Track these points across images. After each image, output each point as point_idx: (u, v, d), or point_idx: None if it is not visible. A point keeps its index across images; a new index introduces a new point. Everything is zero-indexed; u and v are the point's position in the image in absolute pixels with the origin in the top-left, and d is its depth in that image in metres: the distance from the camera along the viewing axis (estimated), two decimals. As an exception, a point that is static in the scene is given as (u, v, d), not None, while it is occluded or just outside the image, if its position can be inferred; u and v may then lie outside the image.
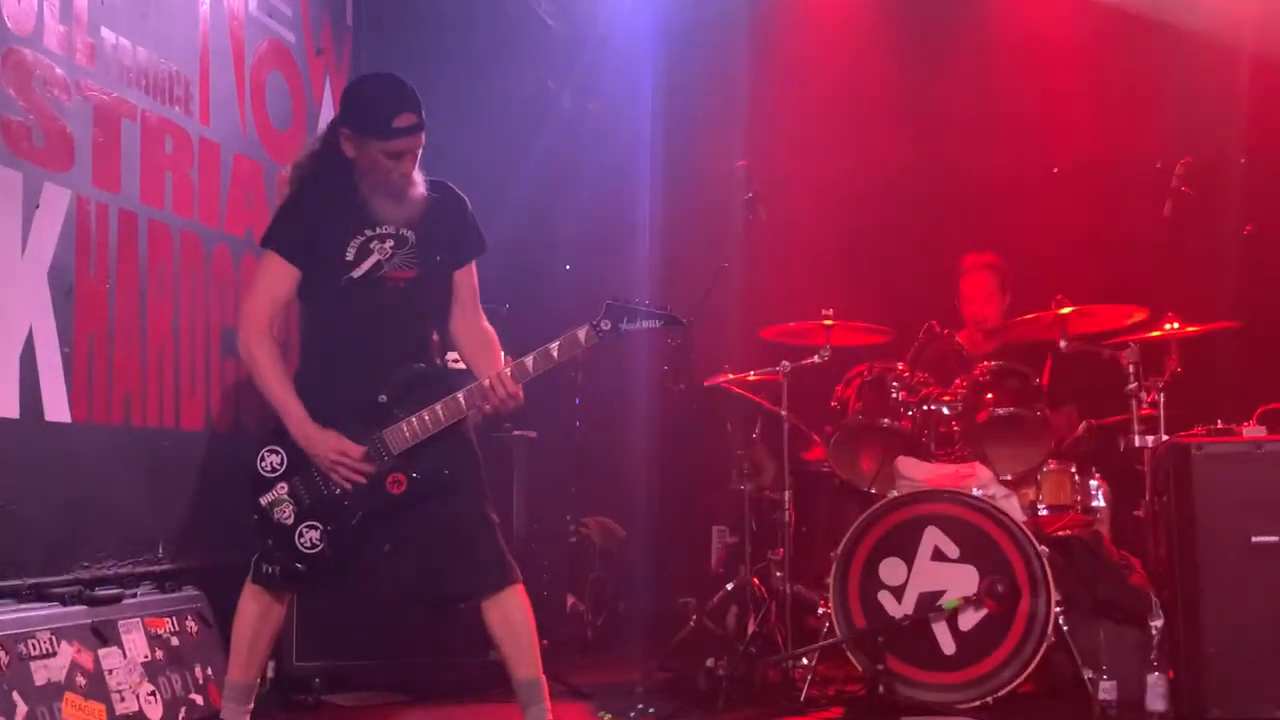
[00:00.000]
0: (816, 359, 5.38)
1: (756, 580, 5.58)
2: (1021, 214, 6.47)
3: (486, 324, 4.13)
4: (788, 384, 5.40)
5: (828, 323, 5.39)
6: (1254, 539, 4.59)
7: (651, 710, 4.89)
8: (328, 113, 6.03)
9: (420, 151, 3.89)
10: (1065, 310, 5.15)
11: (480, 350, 4.05)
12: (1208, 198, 5.32)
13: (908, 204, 6.66)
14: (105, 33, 4.68)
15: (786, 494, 5.44)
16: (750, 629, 5.33)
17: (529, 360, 3.87)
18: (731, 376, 5.69)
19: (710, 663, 5.11)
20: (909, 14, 6.78)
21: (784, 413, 5.42)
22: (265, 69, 5.66)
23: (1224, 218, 5.48)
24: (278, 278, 3.93)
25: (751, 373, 5.66)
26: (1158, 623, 4.79)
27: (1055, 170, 6.47)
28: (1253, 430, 4.76)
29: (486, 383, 3.86)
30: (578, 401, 6.68)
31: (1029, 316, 5.37)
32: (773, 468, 5.74)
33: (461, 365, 4.91)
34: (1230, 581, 4.60)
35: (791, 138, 6.69)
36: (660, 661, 5.71)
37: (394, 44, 6.22)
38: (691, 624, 5.65)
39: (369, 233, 3.91)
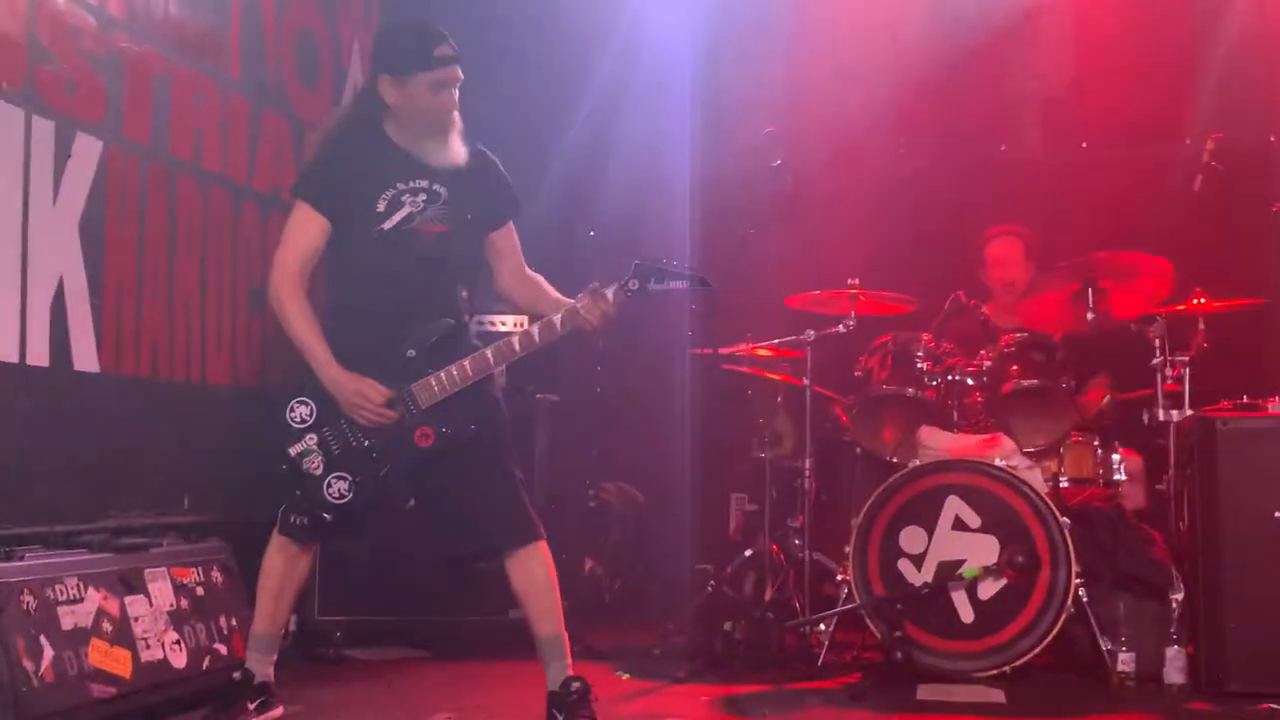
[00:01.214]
0: (841, 328, 5.40)
1: (775, 547, 5.60)
2: (1050, 188, 6.45)
3: (530, 271, 4.16)
4: (812, 353, 5.41)
5: (853, 292, 5.40)
6: (1276, 514, 4.59)
7: (680, 674, 4.91)
8: (356, 71, 6.04)
9: (459, 87, 3.90)
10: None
11: (533, 292, 4.12)
12: (1237, 174, 5.30)
13: (936, 174, 6.64)
14: (139, -16, 4.68)
15: (807, 462, 5.46)
16: (768, 595, 5.36)
17: (556, 319, 3.89)
18: (753, 348, 5.70)
19: (728, 627, 5.15)
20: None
21: (807, 382, 5.44)
22: (295, 25, 5.66)
23: (1254, 194, 5.45)
24: (307, 227, 3.94)
25: (776, 340, 5.68)
26: (1178, 596, 4.80)
27: (1084, 145, 6.44)
28: (1278, 406, 4.76)
29: (559, 320, 3.87)
30: (599, 367, 6.70)
31: (1059, 289, 5.35)
32: (794, 436, 5.75)
33: (495, 329, 4.96)
34: (1252, 556, 4.62)
35: (825, 107, 6.67)
36: (677, 625, 5.74)
37: (423, 4, 6.20)
38: (709, 589, 5.68)
39: (401, 185, 3.93)
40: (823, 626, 5.11)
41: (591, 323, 3.87)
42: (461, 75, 3.90)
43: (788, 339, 5.61)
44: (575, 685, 3.94)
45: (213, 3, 5.11)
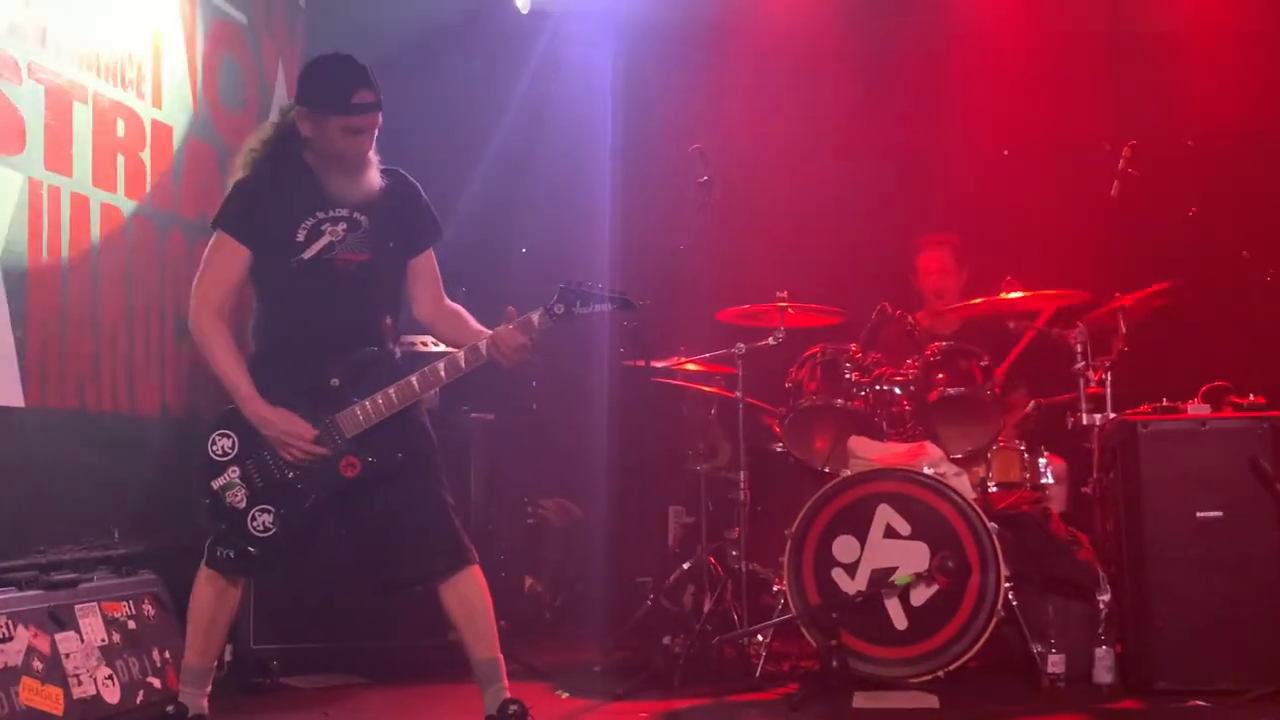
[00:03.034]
0: (771, 341, 5.45)
1: (713, 559, 5.64)
2: (972, 196, 6.54)
3: (450, 302, 4.16)
4: (743, 365, 5.46)
5: (782, 305, 5.45)
6: (1198, 514, 4.71)
7: (620, 691, 4.93)
8: (281, 95, 6.01)
9: (376, 131, 3.91)
10: (1012, 295, 5.25)
11: (453, 324, 4.09)
12: (1154, 179, 5.40)
13: (861, 187, 6.73)
14: (56, 15, 4.65)
15: (742, 474, 5.50)
16: (706, 607, 5.39)
17: (482, 346, 3.90)
18: (685, 362, 5.76)
19: (667, 641, 5.18)
20: (863, -1, 6.89)
21: (739, 394, 5.48)
22: (218, 51, 5.64)
23: (1169, 199, 5.56)
24: (229, 258, 3.93)
25: (707, 354, 5.73)
26: (1105, 597, 4.90)
27: (1005, 153, 6.54)
28: (1197, 408, 4.88)
29: (484, 347, 3.85)
30: (534, 384, 6.71)
31: (978, 300, 5.46)
32: (728, 448, 5.80)
33: (425, 349, 4.96)
34: (1176, 556, 4.72)
35: (748, 121, 6.74)
36: (618, 640, 5.76)
37: (348, 25, 6.20)
38: (649, 603, 5.71)
39: (321, 215, 3.92)
40: (760, 637, 5.15)
41: (512, 354, 3.87)
42: (379, 120, 3.89)
43: (719, 352, 5.65)
44: (513, 708, 3.94)
45: (133, 31, 5.08)
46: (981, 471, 5.33)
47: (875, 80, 6.77)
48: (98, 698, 4.19)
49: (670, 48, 6.83)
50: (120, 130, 4.98)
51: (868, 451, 5.19)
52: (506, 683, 4.00)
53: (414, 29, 6.30)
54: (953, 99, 6.69)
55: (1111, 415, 5.07)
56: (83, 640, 4.23)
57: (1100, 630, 4.87)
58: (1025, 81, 6.58)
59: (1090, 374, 5.14)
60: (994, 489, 5.32)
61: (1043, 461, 5.34)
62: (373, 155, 3.95)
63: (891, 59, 6.80)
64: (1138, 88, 6.32)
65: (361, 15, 6.24)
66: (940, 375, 5.34)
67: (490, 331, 3.93)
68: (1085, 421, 5.13)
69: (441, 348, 5.30)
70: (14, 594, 4.10)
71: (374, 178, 3.95)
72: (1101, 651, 4.84)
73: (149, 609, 4.58)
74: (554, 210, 6.75)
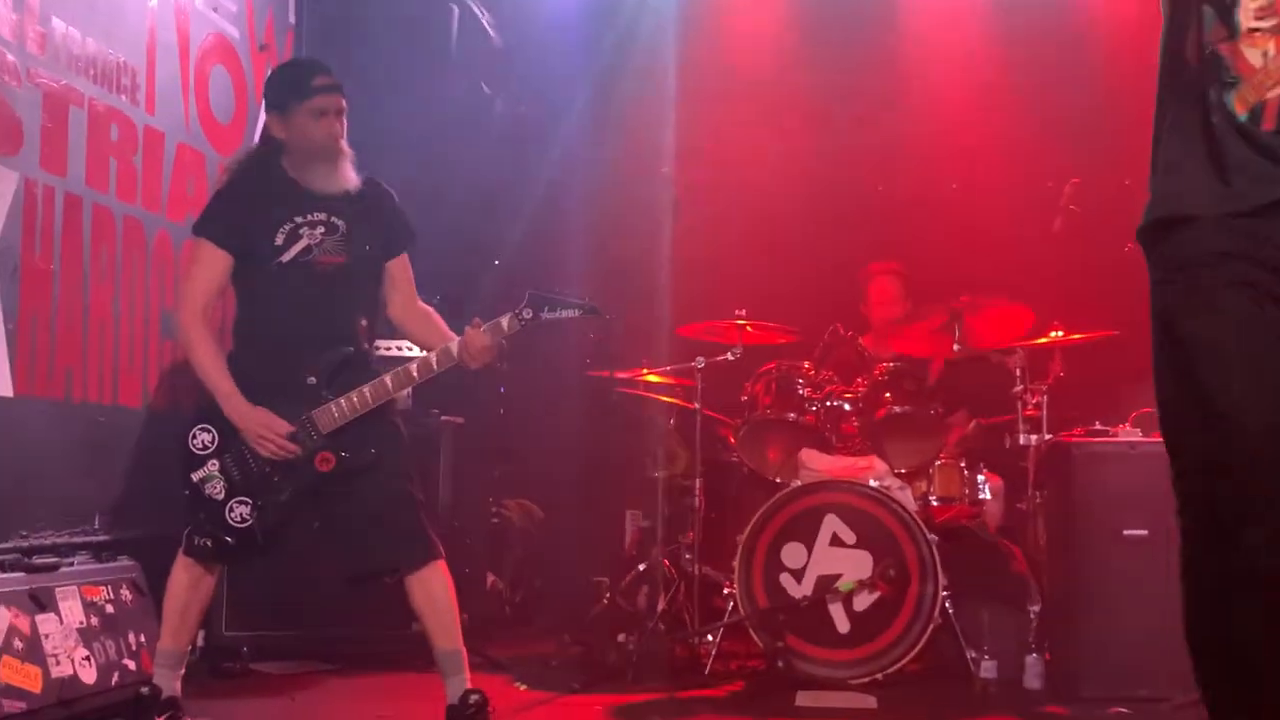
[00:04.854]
0: (729, 356, 5.66)
1: (667, 562, 5.83)
2: (922, 227, 6.79)
3: (422, 304, 4.35)
4: (702, 379, 5.68)
5: (741, 322, 5.67)
6: (1125, 532, 4.88)
7: (576, 685, 5.10)
8: (267, 108, 6.19)
9: (345, 116, 4.11)
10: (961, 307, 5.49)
11: (425, 326, 4.28)
12: (1093, 216, 5.64)
13: (818, 214, 6.94)
14: (56, 22, 4.82)
15: (697, 481, 5.70)
16: (660, 607, 5.57)
17: (453, 348, 4.09)
18: (646, 374, 5.97)
19: (621, 638, 5.35)
20: (826, 35, 7.09)
21: (697, 406, 5.70)
22: (210, 62, 5.82)
23: (1107, 235, 5.81)
24: (211, 263, 4.12)
25: (669, 367, 5.95)
26: (1036, 607, 5.13)
27: (954, 187, 6.79)
28: (1128, 432, 5.09)
29: (455, 348, 4.04)
30: (501, 389, 6.89)
31: (930, 320, 5.70)
32: (685, 457, 6.01)
33: (390, 353, 5.16)
34: (1103, 571, 4.90)
35: (714, 147, 6.96)
36: (575, 636, 5.92)
37: (336, 43, 6.39)
38: (605, 602, 5.90)
39: (299, 219, 4.10)
40: (711, 637, 5.34)
41: (480, 355, 4.05)
42: (344, 104, 4.10)
43: (680, 365, 5.86)
44: (473, 698, 4.08)
45: (129, 40, 5.25)
46: (924, 486, 5.54)
47: (836, 113, 6.99)
48: (75, 677, 4.28)
49: (643, 76, 7.00)
50: (114, 134, 5.15)
51: (817, 464, 5.40)
52: (468, 674, 4.14)
53: (401, 48, 6.48)
54: (907, 134, 6.92)
55: (1047, 437, 5.30)
56: (62, 622, 4.31)
57: (1031, 639, 5.09)
58: (977, 119, 6.82)
59: (1028, 397, 5.37)
60: (935, 503, 5.53)
61: (981, 478, 5.56)
62: (347, 148, 4.14)
63: (853, 93, 7.02)
64: (1082, 128, 6.56)
65: (349, 33, 6.43)
66: (887, 394, 5.56)
67: (455, 336, 4.11)
68: (1022, 442, 5.35)
69: (415, 352, 5.51)
70: (-2, 575, 4.22)
71: (349, 169, 4.14)
72: (1032, 659, 5.07)
73: (127, 594, 4.69)
74: (529, 227, 6.94)
